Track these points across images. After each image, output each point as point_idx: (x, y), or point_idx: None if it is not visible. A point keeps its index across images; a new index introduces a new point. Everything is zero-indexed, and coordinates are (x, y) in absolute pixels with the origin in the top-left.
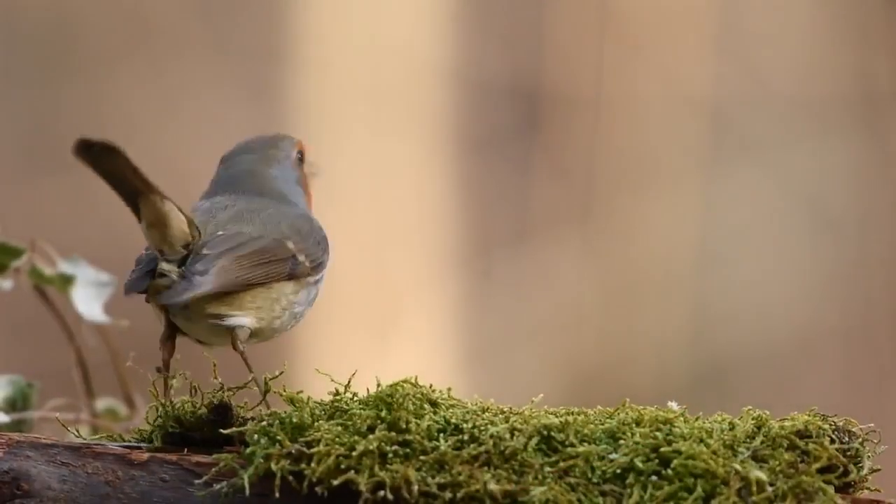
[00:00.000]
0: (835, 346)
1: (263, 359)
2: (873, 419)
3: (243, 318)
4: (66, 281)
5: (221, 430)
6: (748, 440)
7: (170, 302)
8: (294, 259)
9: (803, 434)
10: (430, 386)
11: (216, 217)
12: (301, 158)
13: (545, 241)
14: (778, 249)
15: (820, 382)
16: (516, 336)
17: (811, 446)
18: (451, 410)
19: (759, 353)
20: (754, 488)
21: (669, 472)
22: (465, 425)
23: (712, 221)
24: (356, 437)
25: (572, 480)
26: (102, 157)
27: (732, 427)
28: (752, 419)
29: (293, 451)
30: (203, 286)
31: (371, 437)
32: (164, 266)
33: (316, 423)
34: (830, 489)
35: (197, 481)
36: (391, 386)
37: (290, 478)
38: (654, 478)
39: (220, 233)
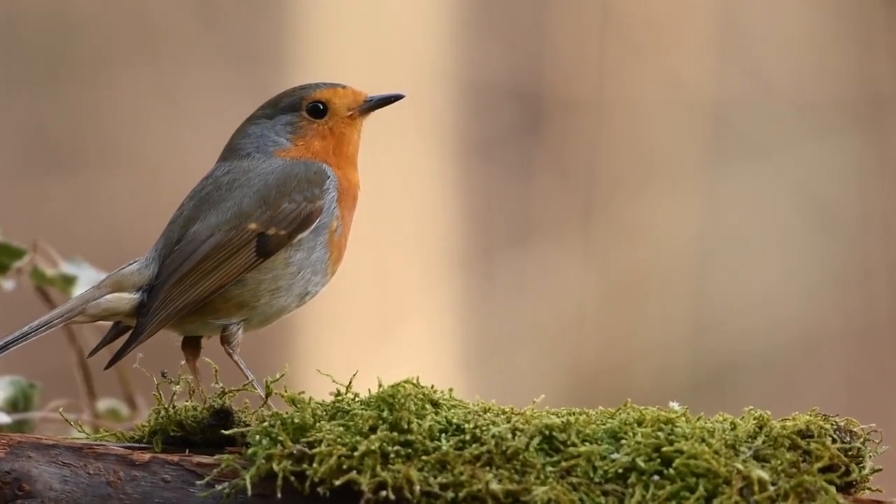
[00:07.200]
0: (836, 346)
1: (265, 359)
2: (875, 419)
3: (227, 321)
4: (68, 281)
5: (223, 431)
6: (750, 440)
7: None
8: (260, 237)
9: (805, 434)
10: (432, 386)
11: (184, 212)
12: (313, 107)
13: (547, 243)
14: (779, 250)
15: (821, 383)
16: (518, 337)
17: (813, 446)
18: (452, 411)
19: (761, 353)
20: (756, 487)
21: (671, 471)
22: (466, 425)
23: (713, 223)
24: (358, 438)
25: (574, 480)
26: None
27: (734, 427)
28: (754, 419)
29: (295, 452)
30: (148, 327)
31: (373, 437)
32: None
33: (318, 424)
34: (832, 489)
35: (199, 482)
36: (393, 386)
37: (292, 478)
38: (655, 477)
39: (176, 247)
